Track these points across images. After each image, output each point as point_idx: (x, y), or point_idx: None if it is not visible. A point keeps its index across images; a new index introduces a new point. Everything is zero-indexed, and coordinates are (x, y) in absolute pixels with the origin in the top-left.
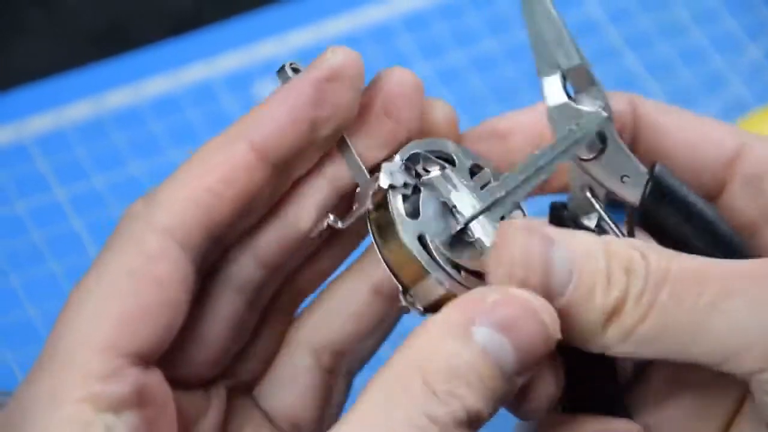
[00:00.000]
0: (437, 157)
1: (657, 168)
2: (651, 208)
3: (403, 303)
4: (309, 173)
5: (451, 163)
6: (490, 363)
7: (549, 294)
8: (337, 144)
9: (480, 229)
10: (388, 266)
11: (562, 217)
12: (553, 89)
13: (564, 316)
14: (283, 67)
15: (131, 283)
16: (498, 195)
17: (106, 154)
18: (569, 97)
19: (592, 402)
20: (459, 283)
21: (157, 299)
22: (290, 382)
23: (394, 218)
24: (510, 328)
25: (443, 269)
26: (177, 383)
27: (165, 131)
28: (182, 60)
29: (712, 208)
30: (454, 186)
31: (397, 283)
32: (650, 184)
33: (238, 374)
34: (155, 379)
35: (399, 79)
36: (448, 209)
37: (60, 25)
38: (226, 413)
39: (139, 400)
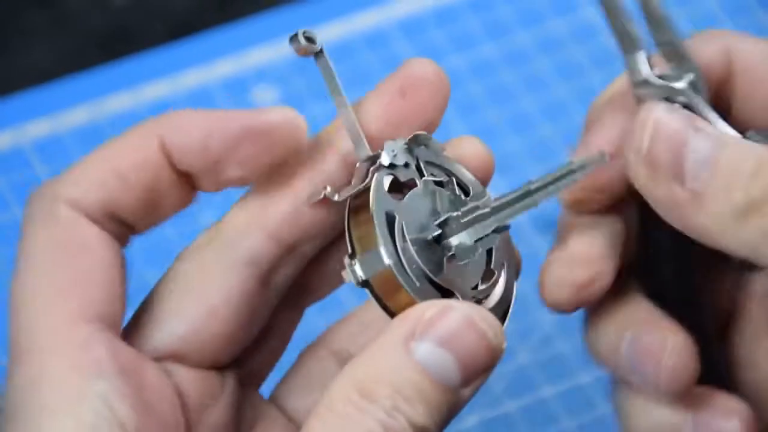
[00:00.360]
0: (445, 169)
1: (749, 134)
2: None
3: (345, 265)
4: (322, 150)
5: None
6: (431, 379)
7: (680, 176)
8: (343, 118)
9: (457, 243)
10: (348, 227)
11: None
12: (638, 67)
13: (700, 200)
14: (296, 35)
15: (61, 252)
16: (480, 212)
17: None
18: (655, 75)
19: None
20: (404, 269)
21: (91, 261)
22: (319, 385)
23: (371, 184)
24: (450, 342)
25: (395, 247)
26: (188, 360)
27: None
28: (180, 65)
29: None
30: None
31: (348, 245)
32: None
33: (249, 366)
34: (126, 347)
35: (420, 65)
36: (435, 214)
37: (58, 31)
38: (237, 405)
39: (118, 365)
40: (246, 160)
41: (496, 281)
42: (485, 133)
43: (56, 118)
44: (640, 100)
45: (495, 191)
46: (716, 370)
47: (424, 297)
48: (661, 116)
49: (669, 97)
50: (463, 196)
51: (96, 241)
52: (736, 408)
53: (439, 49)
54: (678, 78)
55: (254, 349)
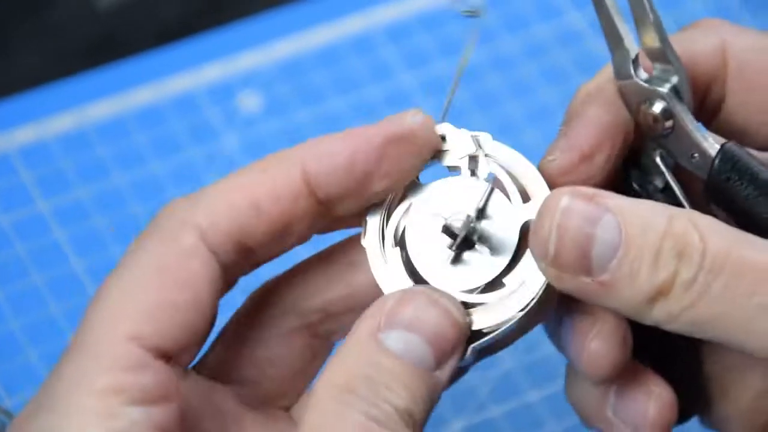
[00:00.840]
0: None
1: (726, 146)
2: (718, 185)
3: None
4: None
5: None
6: (405, 363)
7: (587, 270)
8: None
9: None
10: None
11: (629, 175)
12: (624, 65)
13: (608, 290)
14: None
15: (160, 278)
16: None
17: (90, 165)
18: (639, 76)
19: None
20: (382, 250)
21: (184, 297)
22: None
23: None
24: (415, 325)
25: (382, 225)
26: (243, 400)
27: (149, 142)
28: (166, 71)
29: None
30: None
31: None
32: (717, 161)
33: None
34: (179, 377)
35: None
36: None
37: (44, 37)
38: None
39: (162, 395)
40: (392, 169)
41: (495, 290)
42: None
43: (42, 123)
44: (623, 96)
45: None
46: (671, 357)
47: (391, 282)
48: (564, 211)
49: (649, 99)
50: (506, 202)
51: (198, 279)
52: (657, 391)
53: (425, 54)
54: (662, 80)
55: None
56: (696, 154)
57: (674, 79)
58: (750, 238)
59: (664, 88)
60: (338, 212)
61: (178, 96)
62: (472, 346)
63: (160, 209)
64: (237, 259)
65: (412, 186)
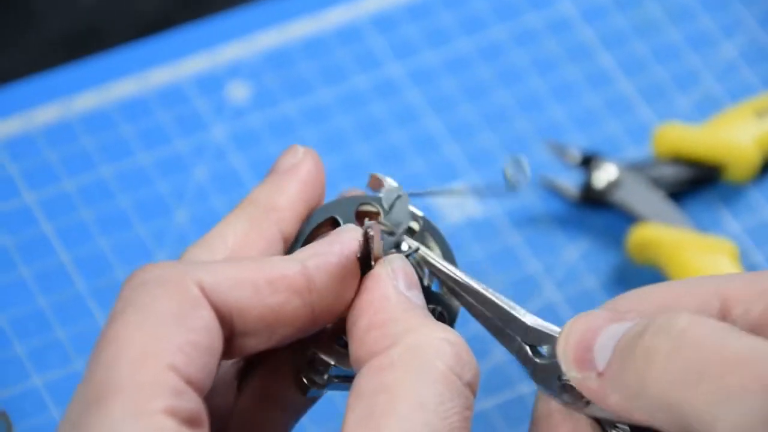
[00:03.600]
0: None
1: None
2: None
3: None
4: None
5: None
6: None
7: (589, 362)
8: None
9: None
10: None
11: None
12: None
13: (602, 389)
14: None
15: (180, 321)
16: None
17: (76, 157)
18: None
19: None
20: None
21: (203, 341)
22: None
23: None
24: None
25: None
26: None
27: (135, 134)
28: (151, 62)
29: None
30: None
31: None
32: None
33: None
34: (205, 407)
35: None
36: None
37: (26, 31)
38: None
39: (204, 420)
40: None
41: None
42: (460, 128)
43: (25, 117)
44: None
45: (470, 185)
46: None
47: None
48: (577, 320)
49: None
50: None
51: (213, 328)
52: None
53: (413, 44)
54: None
55: None
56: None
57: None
58: None
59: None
60: (321, 323)
61: (164, 87)
62: None
63: (144, 267)
64: (228, 334)
65: None
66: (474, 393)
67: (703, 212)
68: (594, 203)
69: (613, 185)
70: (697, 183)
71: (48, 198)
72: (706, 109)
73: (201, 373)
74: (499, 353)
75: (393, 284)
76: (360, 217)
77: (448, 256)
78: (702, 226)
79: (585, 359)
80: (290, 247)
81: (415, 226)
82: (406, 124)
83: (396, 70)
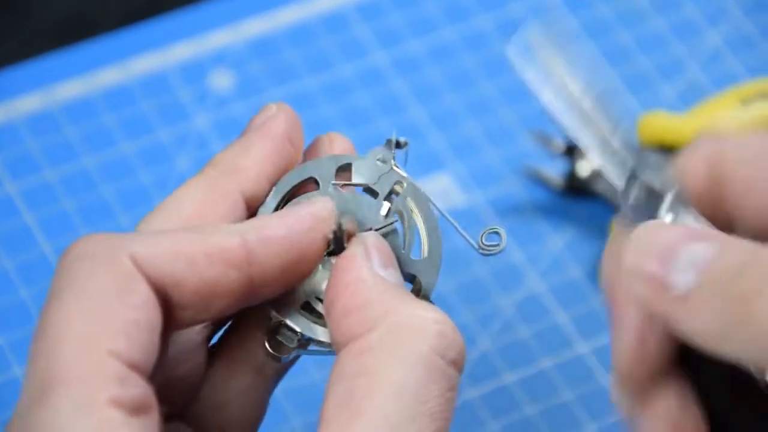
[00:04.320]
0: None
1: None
2: None
3: None
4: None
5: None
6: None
7: (667, 283)
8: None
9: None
10: None
11: None
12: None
13: (684, 312)
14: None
15: (118, 299)
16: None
17: (58, 147)
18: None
19: None
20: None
21: (143, 317)
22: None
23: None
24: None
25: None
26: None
27: (118, 123)
28: (135, 50)
29: None
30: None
31: None
32: None
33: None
34: (151, 391)
35: (290, 113)
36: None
37: (10, 18)
38: None
39: (150, 406)
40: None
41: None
42: (445, 117)
43: (7, 106)
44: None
45: (454, 175)
46: None
47: None
48: (649, 233)
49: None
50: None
51: (151, 303)
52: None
53: (398, 32)
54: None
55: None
56: None
57: (671, 193)
58: None
59: (666, 203)
60: (262, 296)
61: (147, 76)
62: None
63: (77, 241)
64: (163, 304)
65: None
66: (460, 371)
67: None
68: (578, 192)
69: (597, 174)
70: None
71: (30, 188)
72: (690, 97)
73: (143, 353)
74: (484, 343)
75: (368, 265)
76: (341, 177)
77: (431, 223)
78: None
79: (660, 279)
80: (258, 207)
81: (398, 189)
82: (391, 113)
83: (381, 59)
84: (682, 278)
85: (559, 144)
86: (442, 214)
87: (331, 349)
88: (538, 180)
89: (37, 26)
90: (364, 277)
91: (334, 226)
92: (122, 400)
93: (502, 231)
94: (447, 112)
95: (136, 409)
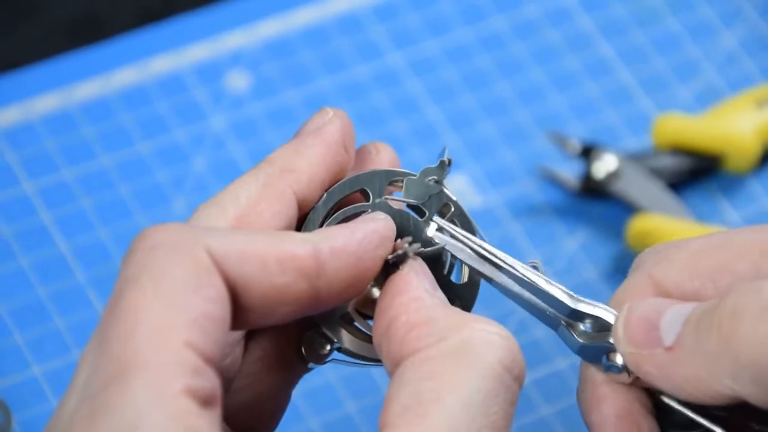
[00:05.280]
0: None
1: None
2: None
3: None
4: None
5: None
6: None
7: (655, 339)
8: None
9: None
10: None
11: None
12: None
13: (672, 361)
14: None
15: (196, 292)
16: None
17: (75, 146)
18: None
19: None
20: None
21: (217, 312)
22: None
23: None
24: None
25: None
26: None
27: (135, 123)
28: (151, 50)
29: None
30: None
31: None
32: None
33: None
34: (220, 384)
35: (347, 121)
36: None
37: (26, 19)
38: None
39: (217, 400)
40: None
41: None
42: (460, 118)
43: (25, 105)
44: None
45: (470, 176)
46: None
47: None
48: (638, 302)
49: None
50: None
51: (225, 298)
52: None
53: (413, 33)
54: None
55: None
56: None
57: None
58: None
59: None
60: (323, 308)
61: (164, 76)
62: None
63: (150, 230)
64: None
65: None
66: (521, 386)
67: (703, 203)
68: (594, 194)
69: (612, 176)
70: (696, 173)
71: (47, 187)
72: (706, 99)
73: (216, 347)
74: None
75: (424, 286)
76: (389, 191)
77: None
78: (702, 217)
79: (650, 336)
80: (309, 213)
81: (445, 211)
82: (406, 114)
83: (396, 60)
84: (668, 335)
85: (575, 145)
86: (481, 244)
87: (363, 361)
88: (553, 181)
89: (55, 26)
90: (422, 296)
91: (401, 248)
92: (196, 390)
93: (540, 264)
94: (463, 112)
95: (208, 401)
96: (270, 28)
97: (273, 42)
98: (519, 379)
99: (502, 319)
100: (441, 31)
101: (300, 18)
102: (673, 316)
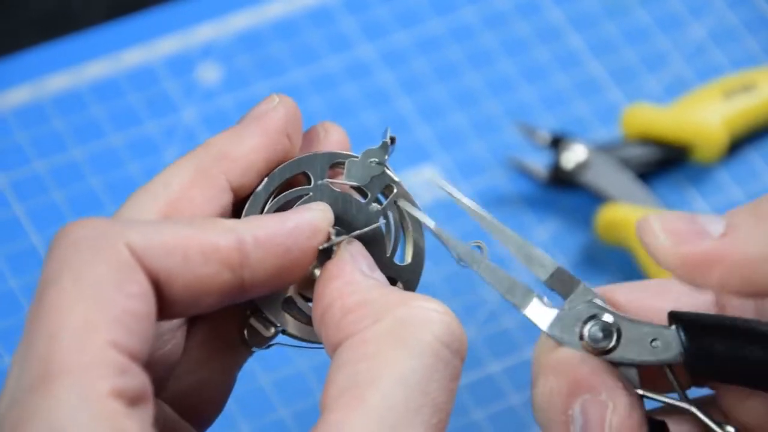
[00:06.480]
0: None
1: (673, 313)
2: (697, 355)
3: None
4: None
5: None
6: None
7: (699, 232)
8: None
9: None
10: None
11: None
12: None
13: (723, 248)
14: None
15: (117, 288)
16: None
17: (47, 138)
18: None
19: None
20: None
21: (141, 308)
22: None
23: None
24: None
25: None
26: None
27: (106, 116)
28: (122, 43)
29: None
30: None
31: None
32: (682, 334)
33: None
34: (148, 380)
35: (293, 107)
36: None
37: None
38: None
39: (148, 396)
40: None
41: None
42: (431, 109)
43: None
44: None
45: (440, 166)
46: None
47: None
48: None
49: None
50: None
51: (149, 293)
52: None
53: (384, 25)
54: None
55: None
56: (656, 339)
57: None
58: None
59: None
60: (250, 296)
61: (135, 69)
62: None
63: (70, 225)
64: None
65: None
66: (462, 360)
67: (672, 192)
68: (563, 184)
69: (582, 166)
70: (665, 163)
71: (19, 179)
72: (674, 90)
73: (141, 343)
74: (469, 333)
75: (359, 269)
76: (333, 173)
77: (416, 229)
78: (670, 206)
79: (694, 228)
80: (247, 200)
81: (388, 192)
82: (377, 105)
83: (367, 51)
84: (713, 226)
85: (544, 136)
86: (428, 227)
87: (306, 344)
88: (523, 171)
89: (26, 19)
90: (357, 279)
91: (331, 238)
92: (123, 390)
93: (484, 246)
94: (433, 103)
95: (136, 399)
96: (241, 20)
97: (244, 34)
98: (459, 353)
99: (473, 309)
100: (411, 22)
101: (271, 10)
102: (707, 215)
